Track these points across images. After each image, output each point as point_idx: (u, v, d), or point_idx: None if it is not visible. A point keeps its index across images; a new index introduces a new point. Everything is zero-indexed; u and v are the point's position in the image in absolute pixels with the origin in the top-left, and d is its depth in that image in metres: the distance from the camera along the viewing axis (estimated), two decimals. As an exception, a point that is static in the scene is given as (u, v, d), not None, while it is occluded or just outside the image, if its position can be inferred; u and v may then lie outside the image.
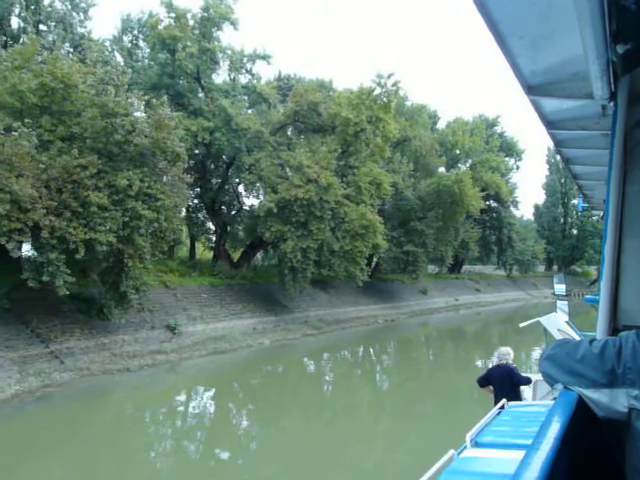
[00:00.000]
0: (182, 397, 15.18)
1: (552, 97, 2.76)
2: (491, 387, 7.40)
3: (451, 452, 2.49)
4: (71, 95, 15.54)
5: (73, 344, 15.85)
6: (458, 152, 44.53)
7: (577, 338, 7.05)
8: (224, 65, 29.85)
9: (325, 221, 24.70)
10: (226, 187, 29.90)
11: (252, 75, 31.56)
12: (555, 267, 71.45)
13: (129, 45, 32.69)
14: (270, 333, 23.20)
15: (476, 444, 2.63)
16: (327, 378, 18.07)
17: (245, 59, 30.84)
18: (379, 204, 27.62)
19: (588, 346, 1.46)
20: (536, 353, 23.35)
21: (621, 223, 2.65)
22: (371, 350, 24.64)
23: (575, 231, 69.31)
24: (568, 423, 1.30)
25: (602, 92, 2.38)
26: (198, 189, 29.12)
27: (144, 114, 16.65)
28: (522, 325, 10.25)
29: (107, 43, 31.10)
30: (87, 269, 17.43)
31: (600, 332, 2.65)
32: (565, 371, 1.50)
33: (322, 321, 27.73)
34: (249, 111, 32.23)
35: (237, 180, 29.53)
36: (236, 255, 32.37)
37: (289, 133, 31.07)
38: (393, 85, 26.98)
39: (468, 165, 45.10)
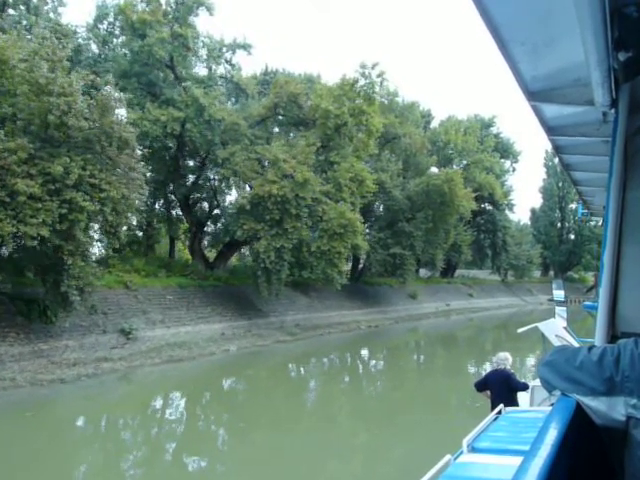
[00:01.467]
0: (97, 424, 12.23)
1: (553, 103, 2.77)
2: (488, 392, 7.37)
3: (447, 457, 2.48)
4: (5, 72, 13.91)
5: (3, 350, 14.17)
6: (451, 151, 42.87)
7: (575, 344, 6.72)
8: (202, 54, 28.33)
9: (302, 219, 23.08)
10: (201, 183, 28.23)
11: (232, 66, 29.97)
12: (551, 273, 69.77)
13: (105, 33, 31.10)
14: (239, 339, 21.53)
15: (473, 449, 2.57)
16: (288, 394, 15.57)
17: (225, 49, 29.33)
18: (361, 202, 25.95)
19: (587, 353, 1.45)
20: (530, 360, 21.97)
21: (621, 230, 2.66)
22: (347, 359, 22.88)
23: (572, 236, 67.70)
24: (566, 430, 1.30)
25: (603, 99, 2.41)
26: (172, 185, 27.49)
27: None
28: (520, 331, 10.18)
29: (80, 30, 29.50)
30: (24, 267, 15.76)
31: (599, 339, 2.64)
32: (563, 378, 1.50)
33: (299, 326, 26.07)
34: (228, 103, 30.79)
35: (212, 176, 27.89)
36: (214, 255, 30.77)
37: (272, 127, 29.48)
38: (378, 76, 25.43)
39: (461, 165, 43.48)
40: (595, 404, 1.39)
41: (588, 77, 2.22)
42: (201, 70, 28.57)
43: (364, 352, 24.36)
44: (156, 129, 23.46)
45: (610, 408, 1.36)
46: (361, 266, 37.18)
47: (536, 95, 2.68)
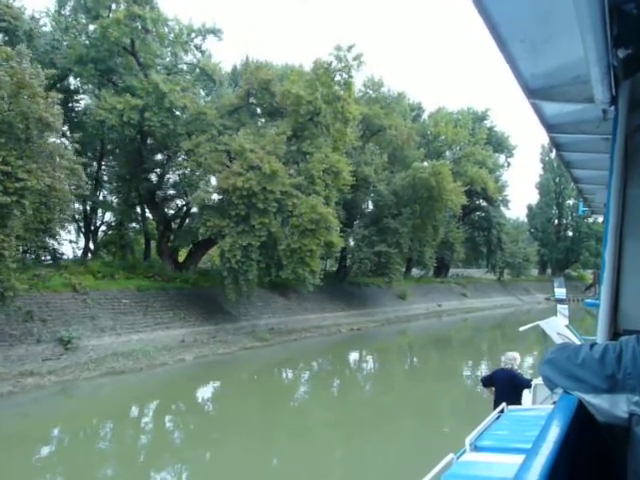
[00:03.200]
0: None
1: (553, 101, 2.77)
2: (492, 388, 7.43)
3: (450, 456, 2.46)
4: None
5: None
6: (440, 144, 40.86)
7: (577, 342, 6.41)
8: (169, 39, 26.36)
9: (270, 215, 21.13)
10: (168, 177, 26.29)
11: (202, 52, 28.05)
12: (549, 271, 67.77)
13: (67, 19, 29.15)
14: (200, 346, 19.57)
15: (475, 448, 2.57)
16: (234, 417, 12.70)
17: (193, 34, 27.42)
18: (337, 196, 23.99)
19: (588, 351, 1.45)
20: (527, 361, 20.03)
21: (622, 227, 2.64)
22: (317, 369, 20.53)
23: (570, 233, 65.76)
24: (568, 428, 1.31)
25: (603, 96, 2.40)
26: (136, 180, 25.53)
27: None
28: (522, 329, 10.00)
29: (39, 16, 27.54)
30: None
31: (600, 336, 2.62)
32: (565, 375, 1.49)
33: (273, 331, 24.12)
34: (202, 93, 28.88)
35: (177, 169, 25.94)
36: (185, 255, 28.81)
37: (245, 118, 27.51)
38: (355, 59, 23.47)
39: (452, 159, 41.52)
40: (597, 402, 1.39)
41: (588, 74, 2.22)
42: (167, 57, 26.56)
43: (338, 360, 22.14)
44: (112, 118, 21.55)
45: (612, 405, 1.35)
46: (347, 265, 35.21)
47: (536, 93, 2.69)
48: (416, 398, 14.79)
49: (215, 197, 20.96)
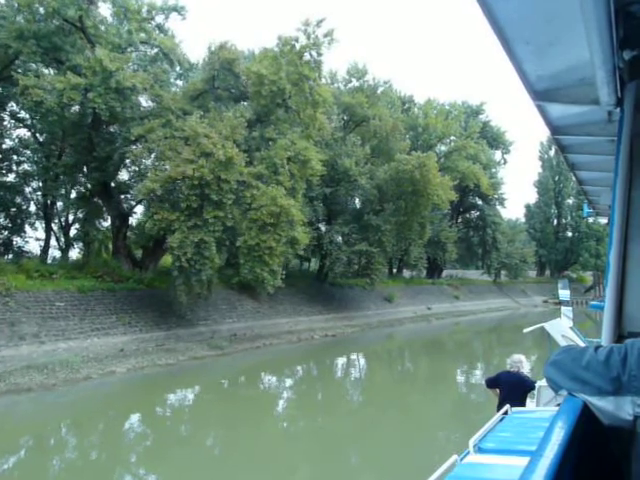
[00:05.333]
0: None
1: (558, 103, 2.76)
2: (497, 390, 7.29)
3: (454, 458, 2.39)
4: None
5: None
6: (430, 137, 38.40)
7: (581, 344, 5.74)
8: (124, 15, 24.03)
9: (226, 207, 18.77)
10: (123, 167, 23.93)
11: (165, 33, 25.69)
12: (548, 272, 65.27)
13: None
14: (140, 356, 17.18)
15: (479, 450, 2.50)
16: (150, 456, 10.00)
17: (154, 12, 25.08)
18: (304, 187, 21.60)
19: (593, 353, 1.44)
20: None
21: (626, 229, 2.63)
22: (266, 385, 17.57)
23: (569, 233, 63.25)
24: (573, 430, 1.30)
25: (608, 98, 2.41)
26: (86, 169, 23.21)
27: None
28: (526, 331, 9.83)
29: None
30: None
31: (605, 339, 2.62)
32: (570, 377, 1.48)
33: (234, 337, 21.74)
34: (172, 79, 26.60)
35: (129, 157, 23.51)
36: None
37: (211, 103, 25.18)
38: (325, 36, 21.08)
39: (441, 152, 39.12)
40: (602, 404, 1.38)
41: (593, 76, 2.24)
42: (123, 35, 24.18)
43: (300, 374, 19.44)
44: (51, 99, 19.22)
45: (617, 408, 1.34)
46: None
47: (541, 95, 2.69)
48: (380, 429, 12.34)
49: (157, 187, 18.46)
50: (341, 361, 22.22)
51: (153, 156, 21.11)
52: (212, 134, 19.12)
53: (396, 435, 11.41)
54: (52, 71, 22.38)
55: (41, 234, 30.17)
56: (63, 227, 31.16)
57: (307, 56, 21.24)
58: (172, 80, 29.45)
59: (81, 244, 32.14)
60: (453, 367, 21.67)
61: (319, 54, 20.91)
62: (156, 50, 23.25)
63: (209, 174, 18.22)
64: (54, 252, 31.98)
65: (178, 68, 31.63)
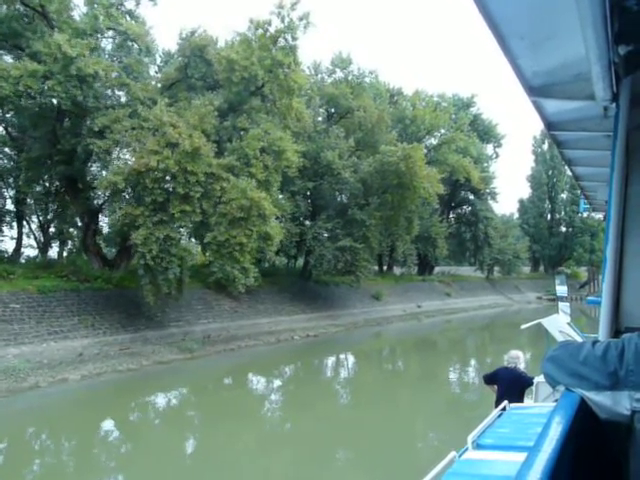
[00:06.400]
0: None
1: (554, 98, 2.76)
2: (495, 387, 7.21)
3: (452, 454, 2.45)
4: None
5: None
6: (418, 129, 37.22)
7: (579, 340, 6.50)
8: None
9: (194, 201, 17.61)
10: (91, 161, 22.70)
11: (135, 20, 24.43)
12: (542, 268, 64.33)
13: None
14: (101, 361, 16.01)
15: (477, 446, 2.54)
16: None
17: (124, -3, 23.81)
18: (279, 180, 20.42)
19: (591, 348, 1.44)
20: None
21: (623, 224, 2.63)
22: (236, 392, 15.91)
23: (563, 228, 62.26)
24: (570, 425, 1.30)
25: (604, 93, 2.39)
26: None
27: None
28: (523, 327, 9.53)
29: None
30: None
31: (602, 334, 2.60)
32: (567, 373, 1.48)
33: (208, 339, 20.59)
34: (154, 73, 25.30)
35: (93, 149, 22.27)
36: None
37: (184, 93, 23.97)
38: (301, 19, 19.91)
39: (431, 145, 38.01)
40: (600, 399, 1.38)
41: (589, 72, 2.22)
42: (90, 22, 22.91)
43: (274, 380, 18.02)
44: (6, 87, 18.00)
45: (615, 403, 1.35)
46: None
47: (537, 90, 2.67)
48: (362, 437, 11.19)
49: (120, 180, 17.23)
50: (319, 363, 21.06)
51: (119, 148, 19.89)
52: (179, 123, 17.96)
53: (381, 443, 10.29)
54: (12, 59, 21.11)
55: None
56: (42, 225, 30.04)
57: (282, 41, 20.08)
58: (153, 73, 28.23)
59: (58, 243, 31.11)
60: (442, 368, 20.59)
61: (294, 38, 19.74)
62: (123, 37, 21.93)
63: (174, 166, 17.06)
64: (34, 252, 31.11)
65: (159, 61, 30.60)
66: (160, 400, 14.36)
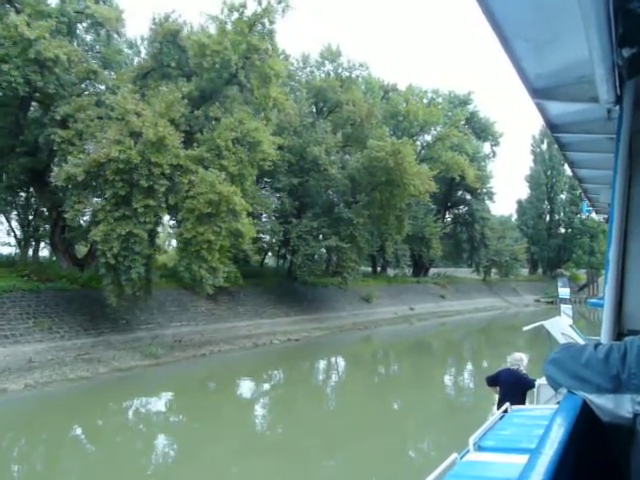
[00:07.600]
0: None
1: (557, 100, 2.76)
2: (497, 388, 7.25)
3: (454, 456, 2.43)
4: None
5: None
6: (411, 125, 35.86)
7: (581, 342, 6.13)
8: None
9: (158, 195, 16.29)
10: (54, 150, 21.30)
11: (109, 4, 23.15)
12: (540, 270, 62.94)
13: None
14: (52, 368, 14.66)
15: (479, 448, 2.53)
16: None
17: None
18: (254, 173, 19.07)
19: (593, 350, 1.42)
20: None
21: (626, 227, 2.63)
22: (196, 407, 13.64)
23: (562, 229, 60.86)
24: (572, 427, 1.30)
25: (607, 96, 2.40)
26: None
27: None
28: (525, 329, 9.70)
29: None
30: None
31: (605, 336, 2.61)
32: (569, 375, 1.47)
33: (178, 343, 19.24)
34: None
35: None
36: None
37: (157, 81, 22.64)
38: (279, 2, 18.60)
39: (425, 142, 36.67)
40: (602, 401, 1.37)
41: (592, 74, 2.21)
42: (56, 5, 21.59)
43: (244, 391, 16.43)
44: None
45: (617, 405, 1.33)
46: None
47: (540, 92, 2.68)
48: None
49: (80, 172, 15.88)
50: (297, 370, 19.67)
51: (83, 139, 18.56)
52: (145, 112, 16.65)
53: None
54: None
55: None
56: (21, 223, 28.80)
57: (259, 26, 18.76)
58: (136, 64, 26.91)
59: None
60: (427, 376, 19.25)
61: (271, 22, 18.42)
62: (91, 21, 20.62)
63: (137, 157, 15.74)
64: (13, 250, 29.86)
65: (144, 53, 29.22)
66: (103, 420, 12.42)
